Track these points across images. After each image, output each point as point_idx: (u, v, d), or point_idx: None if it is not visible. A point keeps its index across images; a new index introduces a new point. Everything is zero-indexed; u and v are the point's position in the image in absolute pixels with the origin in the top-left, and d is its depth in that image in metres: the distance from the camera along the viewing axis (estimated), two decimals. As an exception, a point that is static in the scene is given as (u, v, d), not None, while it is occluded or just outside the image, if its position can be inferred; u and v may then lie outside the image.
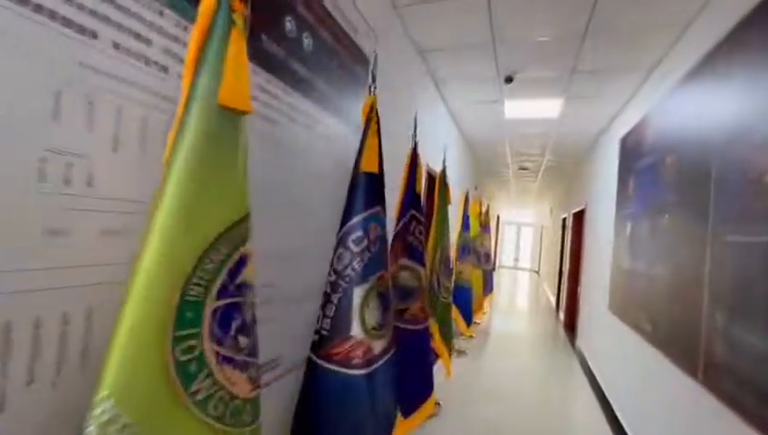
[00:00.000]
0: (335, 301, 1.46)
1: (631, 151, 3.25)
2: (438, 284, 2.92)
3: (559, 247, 8.28)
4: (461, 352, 4.57)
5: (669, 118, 2.50)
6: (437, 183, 3.11)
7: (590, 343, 4.43)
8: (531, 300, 10.13)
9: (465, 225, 4.45)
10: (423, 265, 2.29)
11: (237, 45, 0.76)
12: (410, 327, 2.23)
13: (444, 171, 3.08)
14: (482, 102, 3.94)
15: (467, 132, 5.07)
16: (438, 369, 3.22)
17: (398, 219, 2.26)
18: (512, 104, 3.88)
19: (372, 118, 1.58)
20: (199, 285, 0.73)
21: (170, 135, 0.76)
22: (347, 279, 1.47)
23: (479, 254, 5.26)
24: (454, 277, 4.42)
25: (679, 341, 2.04)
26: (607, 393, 3.46)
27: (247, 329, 0.82)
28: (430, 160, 3.49)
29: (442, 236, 2.99)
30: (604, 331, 3.76)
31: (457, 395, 3.42)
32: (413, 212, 2.27)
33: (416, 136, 2.36)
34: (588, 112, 3.92)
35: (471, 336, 5.31)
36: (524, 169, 7.26)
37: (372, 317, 1.48)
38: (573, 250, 6.58)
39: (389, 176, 2.57)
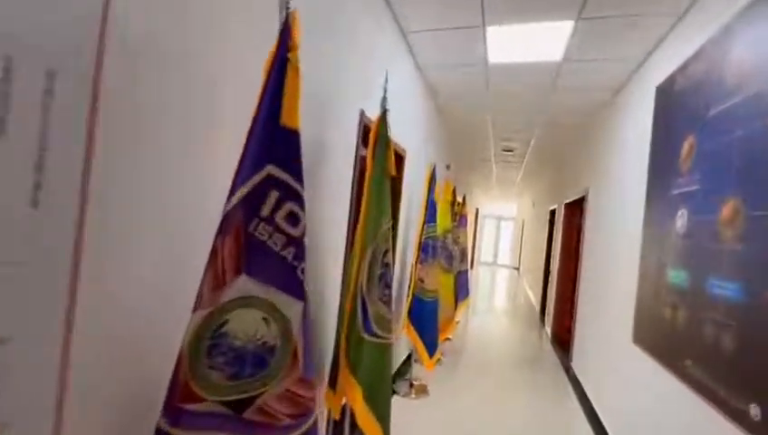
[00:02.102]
0: None
1: (689, 97, 2.04)
2: (365, 314, 1.63)
3: (545, 244, 7.17)
4: (421, 390, 3.33)
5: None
6: (372, 136, 1.81)
7: (595, 377, 3.27)
8: (511, 301, 9.07)
9: (430, 214, 3.19)
10: (298, 292, 1.00)
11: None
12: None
13: (384, 117, 1.79)
14: (455, 30, 2.65)
15: (437, 85, 3.77)
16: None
17: (234, 186, 0.95)
18: (497, 34, 2.61)
19: None
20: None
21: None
22: None
23: (450, 253, 4.03)
24: (413, 288, 3.16)
25: None
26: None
27: None
28: (363, 102, 2.16)
29: (376, 229, 1.70)
30: (624, 372, 2.58)
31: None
32: (272, 171, 0.96)
33: (288, 7, 1.04)
34: (607, 47, 2.70)
35: (439, 359, 4.08)
36: (508, 150, 6.07)
37: None
38: (566, 248, 5.45)
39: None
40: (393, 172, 1.78)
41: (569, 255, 5.38)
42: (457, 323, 5.80)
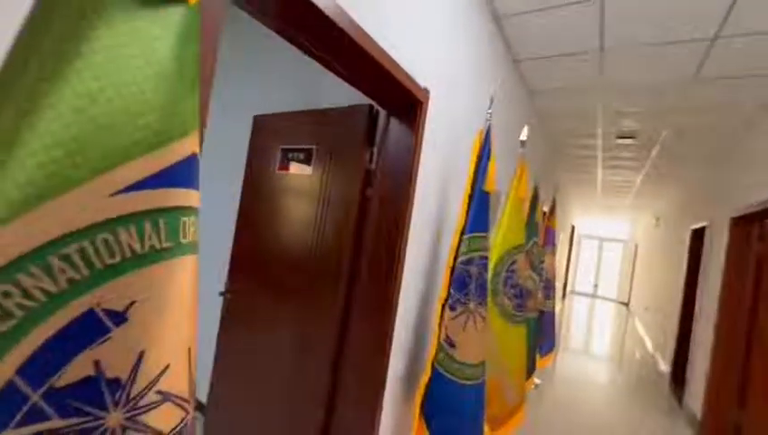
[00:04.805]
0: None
1: None
2: None
3: (682, 278, 4.88)
4: None
5: None
6: None
7: None
8: (617, 353, 6.64)
9: (476, 217, 1.67)
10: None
11: None
12: None
13: None
14: None
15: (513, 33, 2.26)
16: None
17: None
18: None
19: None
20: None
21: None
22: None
23: (523, 288, 2.38)
24: (432, 357, 1.66)
25: None
26: None
27: None
28: None
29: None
30: None
31: None
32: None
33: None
34: None
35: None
36: (627, 137, 4.11)
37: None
38: (733, 291, 3.31)
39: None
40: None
41: (740, 303, 3.24)
42: (535, 387, 3.97)
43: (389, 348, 1.59)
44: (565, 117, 3.89)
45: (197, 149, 0.47)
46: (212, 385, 2.16)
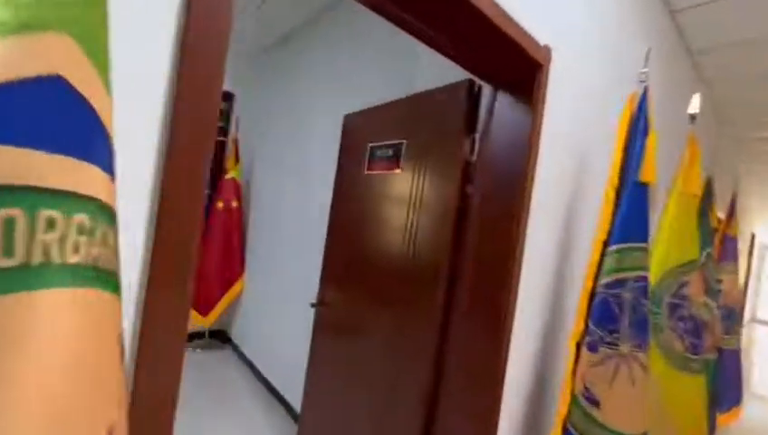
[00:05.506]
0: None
1: None
2: None
3: None
4: None
5: None
6: None
7: None
8: None
9: (627, 220, 1.16)
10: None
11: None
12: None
13: None
14: None
15: None
16: None
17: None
18: None
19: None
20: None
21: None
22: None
23: (698, 321, 1.68)
24: (562, 416, 1.19)
25: None
26: None
27: None
28: None
29: None
30: None
31: None
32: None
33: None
34: None
35: None
36: None
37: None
38: None
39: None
40: None
41: None
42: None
43: (502, 371, 1.18)
44: (747, 84, 2.85)
45: (88, 81, 0.24)
46: (306, 394, 2.07)
